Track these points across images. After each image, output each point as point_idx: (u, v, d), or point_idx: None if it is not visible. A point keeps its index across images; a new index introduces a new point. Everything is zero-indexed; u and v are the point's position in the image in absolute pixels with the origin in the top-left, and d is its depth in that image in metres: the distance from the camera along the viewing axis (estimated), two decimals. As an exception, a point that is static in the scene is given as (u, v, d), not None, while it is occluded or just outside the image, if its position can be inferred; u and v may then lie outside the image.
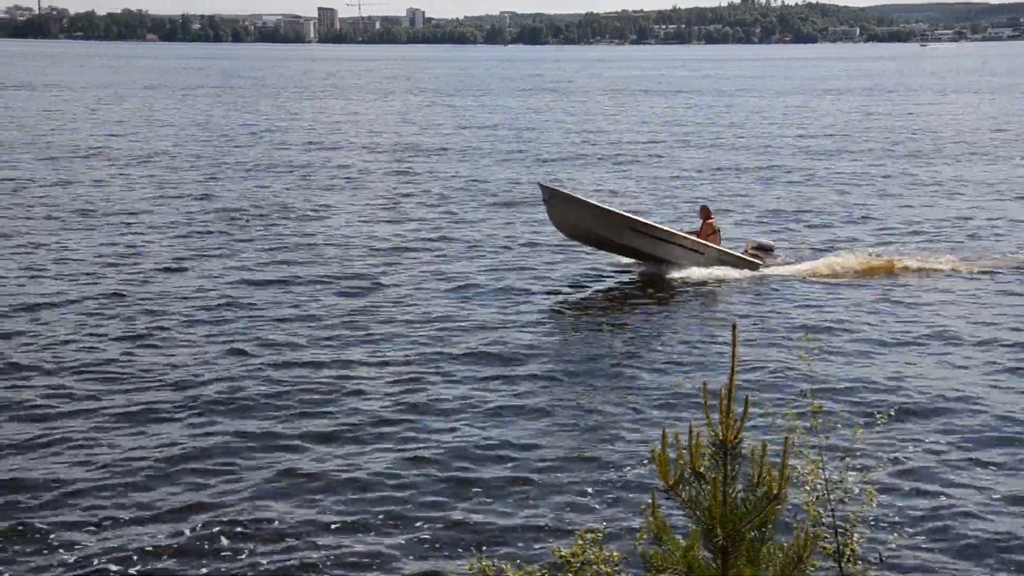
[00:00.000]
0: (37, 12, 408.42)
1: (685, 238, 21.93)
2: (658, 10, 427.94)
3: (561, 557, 7.07)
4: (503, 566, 7.22)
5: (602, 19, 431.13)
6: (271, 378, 15.51)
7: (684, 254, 21.74)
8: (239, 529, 10.84)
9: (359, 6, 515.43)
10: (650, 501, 5.49)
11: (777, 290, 21.05)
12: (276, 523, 10.99)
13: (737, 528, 5.09)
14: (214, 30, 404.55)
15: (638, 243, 21.70)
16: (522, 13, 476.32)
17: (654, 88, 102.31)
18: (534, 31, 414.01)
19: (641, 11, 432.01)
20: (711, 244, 22.05)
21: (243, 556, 10.39)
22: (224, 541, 10.62)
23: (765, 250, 22.76)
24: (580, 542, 7.07)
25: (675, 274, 21.55)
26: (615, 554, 7.12)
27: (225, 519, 11.04)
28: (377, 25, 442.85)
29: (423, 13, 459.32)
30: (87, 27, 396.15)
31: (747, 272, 21.84)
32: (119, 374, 15.67)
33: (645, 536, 5.97)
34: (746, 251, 22.71)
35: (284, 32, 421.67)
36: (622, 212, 22.14)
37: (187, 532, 10.77)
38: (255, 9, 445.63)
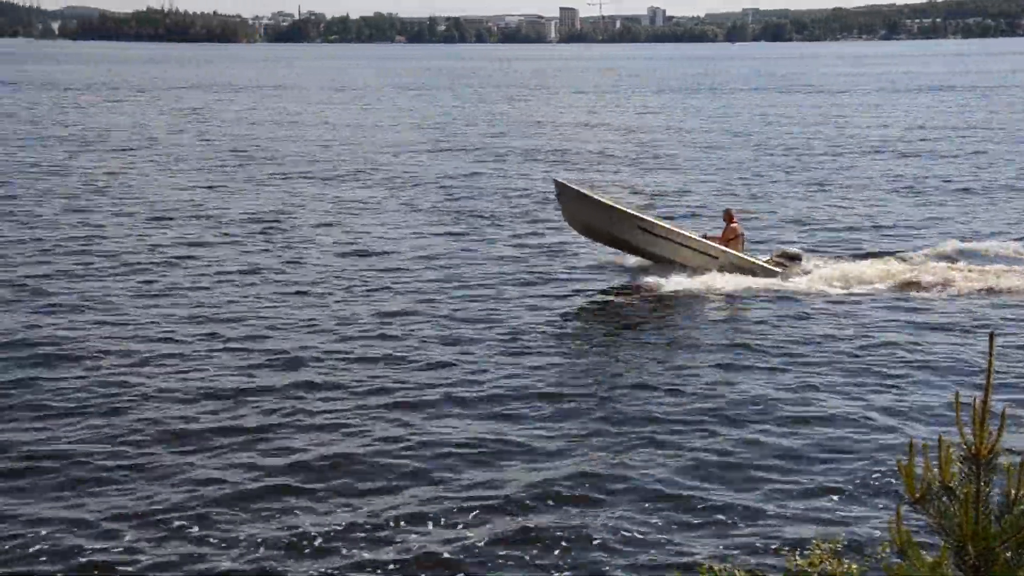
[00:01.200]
0: (298, 17, 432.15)
1: (697, 241, 21.34)
2: (910, 4, 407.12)
3: (797, 566, 6.86)
4: (736, 572, 7.08)
5: (850, 14, 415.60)
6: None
7: (695, 257, 21.16)
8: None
9: (600, 5, 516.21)
10: (895, 514, 5.24)
11: (785, 301, 20.20)
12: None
13: (990, 547, 4.80)
14: (459, 31, 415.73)
15: (647, 243, 21.33)
16: (765, 9, 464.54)
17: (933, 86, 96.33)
18: (777, 28, 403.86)
19: (892, 4, 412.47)
20: (726, 249, 21.29)
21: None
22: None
23: (791, 258, 21.90)
24: (817, 551, 6.84)
25: (684, 277, 20.83)
26: (853, 567, 6.85)
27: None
28: (617, 24, 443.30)
29: (664, 11, 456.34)
30: (341, 30, 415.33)
31: (762, 280, 20.96)
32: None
33: (887, 549, 5.72)
34: (771, 258, 21.90)
35: (526, 32, 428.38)
36: (631, 211, 21.58)
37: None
38: (499, 10, 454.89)
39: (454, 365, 16.30)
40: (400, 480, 12.19)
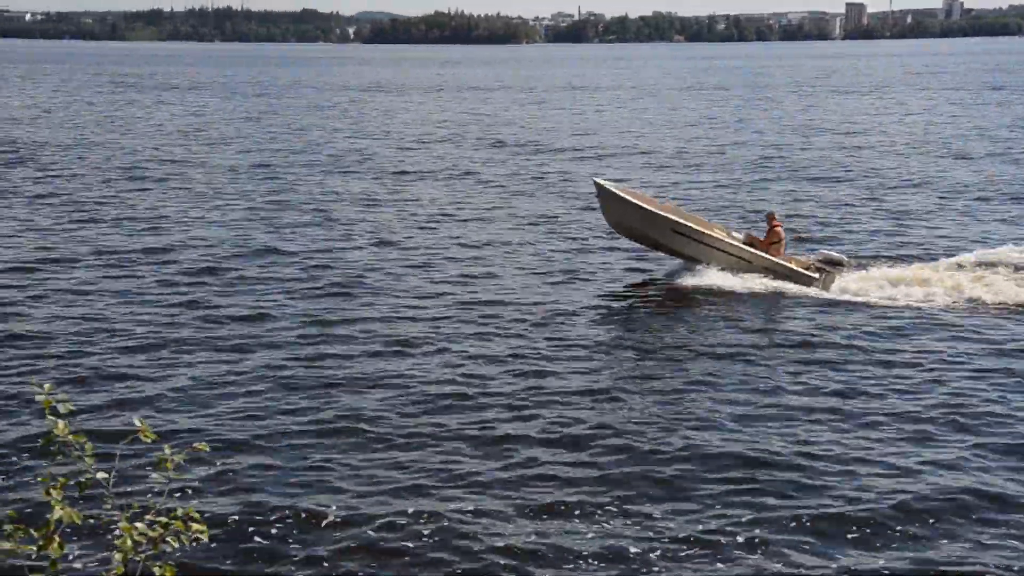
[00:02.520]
0: (577, 18, 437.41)
1: (731, 245, 21.38)
2: None
3: None
4: None
5: None
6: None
7: (729, 260, 21.21)
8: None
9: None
10: None
11: (817, 306, 19.79)
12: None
13: None
14: (738, 29, 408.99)
15: (681, 245, 21.57)
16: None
17: None
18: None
19: None
20: (760, 253, 21.26)
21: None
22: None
23: (833, 264, 21.42)
24: None
25: (716, 280, 20.94)
26: None
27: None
28: (908, 19, 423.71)
29: (961, 4, 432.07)
30: (620, 30, 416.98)
31: (796, 286, 20.81)
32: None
33: None
34: (811, 264, 21.42)
35: (808, 29, 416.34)
36: (665, 213, 21.62)
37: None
38: (780, 7, 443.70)
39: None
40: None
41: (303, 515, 11.13)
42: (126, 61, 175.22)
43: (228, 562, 10.10)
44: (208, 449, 6.15)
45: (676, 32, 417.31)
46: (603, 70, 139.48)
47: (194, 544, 5.16)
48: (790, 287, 20.75)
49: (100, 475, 5.32)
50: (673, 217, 21.63)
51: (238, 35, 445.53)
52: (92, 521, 6.29)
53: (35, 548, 4.99)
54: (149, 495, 9.99)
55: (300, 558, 10.31)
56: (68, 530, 5.05)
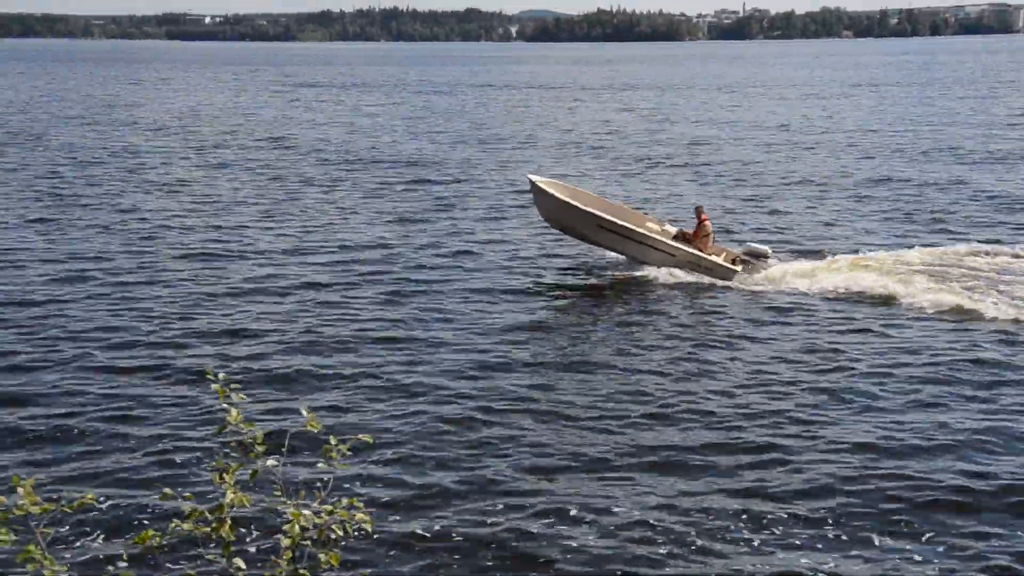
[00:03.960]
0: (742, 14, 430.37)
1: (655, 239, 22.02)
2: None
3: None
4: None
5: None
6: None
7: (653, 254, 21.92)
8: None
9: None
10: None
11: (735, 297, 20.35)
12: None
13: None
14: (912, 24, 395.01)
15: (607, 240, 22.22)
16: None
17: None
18: None
19: None
20: (683, 247, 21.91)
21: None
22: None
23: (757, 256, 22.17)
24: None
25: (642, 272, 21.73)
26: None
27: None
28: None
29: None
30: (785, 26, 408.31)
31: (718, 279, 21.51)
32: None
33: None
34: (736, 257, 22.26)
35: (987, 22, 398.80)
36: (590, 209, 22.13)
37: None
38: (958, 0, 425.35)
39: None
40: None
41: (468, 508, 11.29)
42: (296, 60, 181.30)
43: (391, 552, 10.30)
44: (372, 440, 6.29)
45: (844, 28, 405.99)
46: (780, 68, 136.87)
47: (358, 533, 5.30)
48: (712, 279, 21.46)
49: (270, 462, 5.52)
50: (598, 213, 22.11)
51: (404, 35, 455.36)
52: (262, 506, 6.53)
53: (209, 530, 5.20)
54: (315, 484, 10.27)
55: (464, 549, 10.44)
56: (239, 514, 5.22)
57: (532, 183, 22.76)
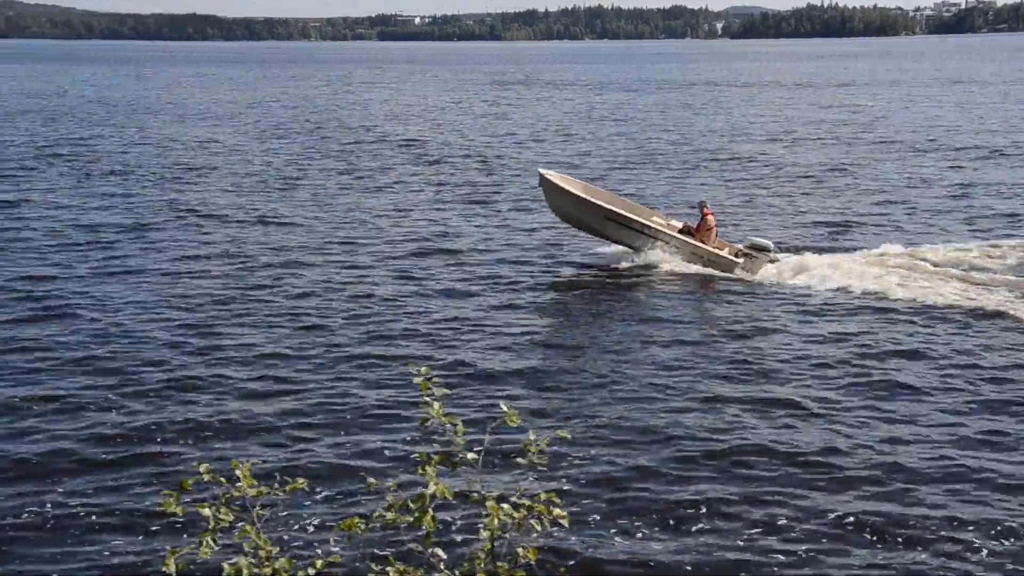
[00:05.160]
0: (964, 6, 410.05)
1: (659, 232, 22.51)
2: None
3: None
4: None
5: None
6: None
7: (658, 246, 22.38)
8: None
9: None
10: None
11: (735, 290, 20.83)
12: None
13: None
14: None
15: (613, 232, 22.77)
16: None
17: None
18: None
19: None
20: (687, 239, 22.40)
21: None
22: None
23: (760, 250, 22.35)
24: None
25: (644, 264, 22.22)
26: None
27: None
28: None
29: None
30: (1013, 18, 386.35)
31: (719, 270, 22.10)
32: None
33: None
34: (739, 250, 22.56)
35: None
36: (598, 201, 22.81)
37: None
38: None
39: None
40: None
41: (663, 508, 11.23)
42: (502, 60, 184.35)
43: (589, 550, 10.32)
44: (570, 437, 6.32)
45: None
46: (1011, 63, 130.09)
47: (555, 529, 5.34)
48: (714, 271, 22.08)
49: (470, 456, 5.61)
50: (605, 205, 22.80)
51: (608, 32, 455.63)
52: (462, 499, 6.71)
53: (411, 520, 5.34)
54: (514, 478, 10.40)
55: (662, 548, 10.39)
56: (440, 505, 5.35)
57: (542, 177, 23.40)
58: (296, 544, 10.11)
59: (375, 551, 9.37)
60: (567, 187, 23.05)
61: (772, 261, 22.07)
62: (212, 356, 16.27)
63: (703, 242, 22.42)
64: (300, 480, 5.62)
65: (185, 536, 9.95)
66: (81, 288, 20.31)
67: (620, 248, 23.20)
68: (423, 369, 5.75)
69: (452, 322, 18.39)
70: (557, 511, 5.49)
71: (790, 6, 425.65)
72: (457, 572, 5.53)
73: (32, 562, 10.13)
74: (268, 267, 22.39)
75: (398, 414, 13.82)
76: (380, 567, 5.52)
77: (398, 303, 19.56)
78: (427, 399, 5.55)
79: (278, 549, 5.36)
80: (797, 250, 23.49)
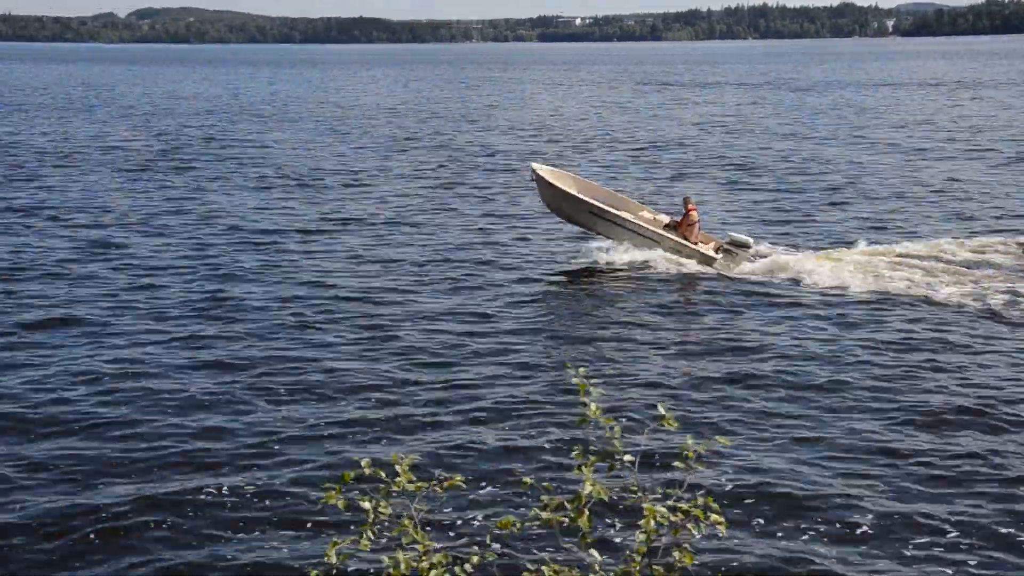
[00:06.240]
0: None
1: (641, 226, 23.44)
2: None
3: None
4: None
5: None
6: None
7: (639, 240, 23.23)
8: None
9: None
10: None
11: (712, 284, 21.39)
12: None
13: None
14: None
15: (596, 225, 23.86)
16: None
17: None
18: None
19: None
20: (666, 234, 23.24)
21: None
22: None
23: (739, 245, 23.06)
24: None
25: (625, 258, 22.95)
26: None
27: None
28: None
29: None
30: None
31: (697, 265, 22.72)
32: None
33: None
34: (719, 245, 23.36)
35: None
36: (582, 196, 23.81)
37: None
38: None
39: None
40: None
41: (826, 518, 10.95)
42: (663, 60, 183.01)
43: (745, 557, 10.15)
44: (729, 444, 6.21)
45: None
46: None
47: (712, 535, 5.26)
48: (693, 265, 22.64)
49: (627, 457, 5.58)
50: (588, 200, 23.70)
51: (772, 31, 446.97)
52: (618, 501, 6.68)
53: (567, 519, 5.35)
54: (671, 482, 10.30)
55: (823, 558, 10.13)
56: (595, 507, 5.34)
57: (534, 172, 24.38)
58: (452, 540, 10.24)
59: (530, 549, 9.43)
60: (556, 182, 24.11)
61: (750, 259, 22.76)
62: (377, 352, 16.67)
63: (685, 237, 23.19)
64: (458, 477, 5.70)
65: (316, 536, 10.20)
66: (247, 286, 21.05)
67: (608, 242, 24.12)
68: (580, 370, 5.75)
69: (617, 329, 18.39)
70: (714, 516, 5.42)
71: (967, 2, 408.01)
72: (612, 574, 5.52)
73: (190, 551, 10.57)
74: (426, 265, 22.88)
75: (553, 413, 13.86)
76: (535, 566, 5.54)
77: (572, 308, 19.64)
78: (584, 400, 5.55)
79: (435, 544, 5.44)
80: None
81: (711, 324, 18.41)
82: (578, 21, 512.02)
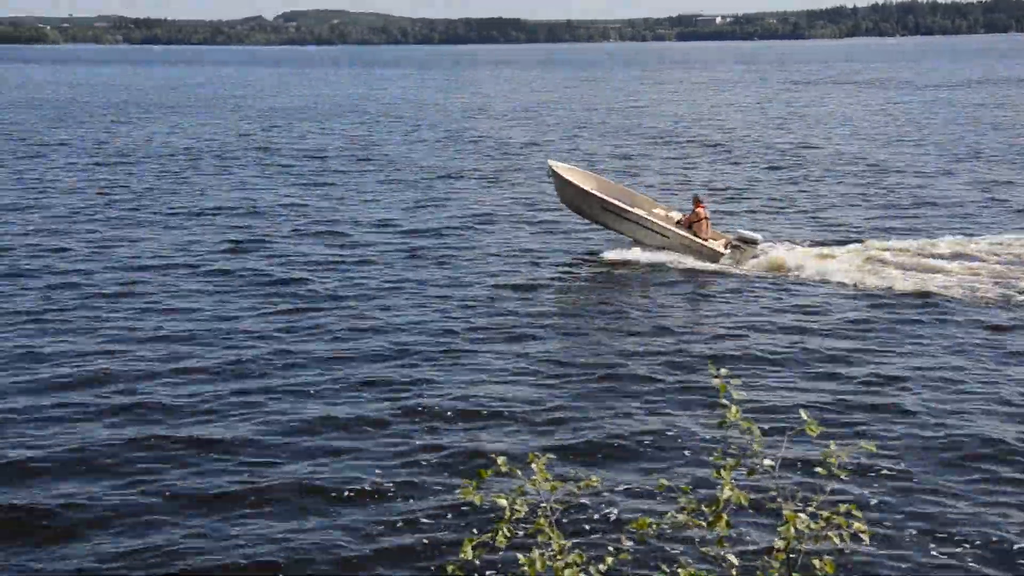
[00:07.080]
0: None
1: (653, 223, 24.15)
2: None
3: None
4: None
5: None
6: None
7: (650, 236, 24.06)
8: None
9: None
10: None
11: (719, 280, 21.82)
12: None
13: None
14: None
15: (609, 221, 24.74)
16: None
17: None
18: None
19: None
20: (677, 230, 23.93)
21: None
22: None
23: (748, 242, 23.26)
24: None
25: (637, 253, 23.69)
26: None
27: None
28: None
29: None
30: None
31: (706, 260, 23.23)
32: None
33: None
34: (728, 241, 23.72)
35: None
36: (597, 193, 24.74)
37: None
38: None
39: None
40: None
41: (971, 532, 10.58)
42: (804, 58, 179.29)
43: (886, 568, 9.87)
44: (875, 449, 6.04)
45: None
46: None
47: (854, 543, 5.11)
48: (702, 261, 23.16)
49: (767, 462, 5.48)
50: (601, 195, 24.54)
51: (921, 28, 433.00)
52: (756, 506, 6.56)
53: (705, 524, 5.28)
54: (811, 488, 10.09)
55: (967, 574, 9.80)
56: (735, 510, 5.27)
57: (551, 168, 25.40)
58: (587, 540, 10.22)
59: (665, 551, 9.36)
60: (570, 178, 24.97)
61: (756, 256, 23.07)
62: (508, 353, 16.84)
63: (696, 233, 23.86)
64: (594, 478, 5.68)
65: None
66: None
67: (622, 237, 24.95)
68: (722, 371, 5.68)
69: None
70: (857, 524, 5.28)
71: None
72: (748, 579, 5.44)
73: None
74: (543, 267, 23.16)
75: (690, 415, 13.74)
76: (671, 568, 5.50)
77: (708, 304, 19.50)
78: (724, 401, 5.48)
79: (570, 543, 5.44)
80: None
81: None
82: (718, 20, 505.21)
